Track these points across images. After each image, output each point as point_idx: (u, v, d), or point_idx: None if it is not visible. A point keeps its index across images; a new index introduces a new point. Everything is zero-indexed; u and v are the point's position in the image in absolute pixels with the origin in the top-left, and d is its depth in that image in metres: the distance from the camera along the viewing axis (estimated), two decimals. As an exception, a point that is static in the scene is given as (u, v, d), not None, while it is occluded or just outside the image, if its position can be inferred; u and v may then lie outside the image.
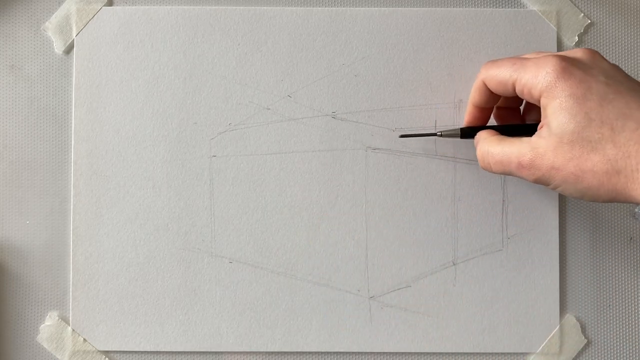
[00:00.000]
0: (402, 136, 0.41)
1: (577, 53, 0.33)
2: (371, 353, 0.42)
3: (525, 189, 0.42)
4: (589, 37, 0.43)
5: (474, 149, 0.42)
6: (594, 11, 0.43)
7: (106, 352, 0.41)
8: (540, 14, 0.42)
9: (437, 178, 0.42)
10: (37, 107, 0.42)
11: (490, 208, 0.42)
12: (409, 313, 0.41)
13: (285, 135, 0.42)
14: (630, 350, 0.42)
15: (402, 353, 0.42)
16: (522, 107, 0.39)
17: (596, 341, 0.42)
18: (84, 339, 0.41)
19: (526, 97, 0.34)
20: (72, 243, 0.42)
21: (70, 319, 0.41)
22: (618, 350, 0.42)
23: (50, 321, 0.42)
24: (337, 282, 0.41)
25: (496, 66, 0.35)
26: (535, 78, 0.32)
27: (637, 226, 0.42)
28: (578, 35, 0.43)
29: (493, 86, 0.35)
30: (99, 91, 0.42)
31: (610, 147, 0.30)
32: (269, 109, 0.42)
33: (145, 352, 0.42)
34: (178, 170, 0.42)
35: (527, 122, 0.38)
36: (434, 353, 0.42)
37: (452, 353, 0.42)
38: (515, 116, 0.39)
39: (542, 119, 0.33)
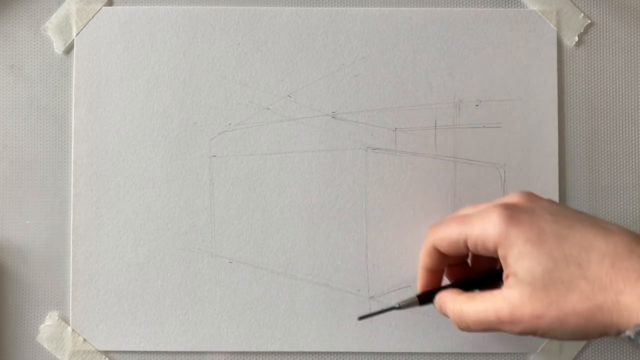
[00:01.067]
0: (360, 318, 0.38)
1: (514, 198, 0.33)
2: (371, 353, 0.42)
3: (525, 189, 0.42)
4: (589, 37, 0.43)
5: (474, 148, 0.42)
6: (594, 11, 0.43)
7: (106, 352, 0.41)
8: (540, 14, 0.42)
9: (437, 178, 0.42)
10: (37, 107, 0.42)
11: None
12: (409, 313, 0.41)
13: (285, 135, 0.42)
14: (630, 350, 0.42)
15: (402, 353, 0.42)
16: (469, 260, 0.38)
17: (596, 341, 0.42)
18: (84, 339, 0.41)
19: (481, 252, 0.33)
20: (72, 243, 0.42)
21: (70, 319, 0.41)
22: (618, 350, 0.42)
23: (50, 321, 0.42)
24: (337, 282, 0.41)
25: (442, 228, 0.34)
26: (485, 231, 0.32)
27: (638, 226, 0.42)
28: (578, 35, 0.43)
29: (444, 248, 0.34)
30: (99, 91, 0.42)
31: (584, 284, 0.29)
32: (269, 109, 0.42)
33: (145, 352, 0.42)
34: (178, 170, 0.42)
35: (476, 273, 0.37)
36: (434, 353, 0.42)
37: (452, 353, 0.42)
38: (465, 270, 0.38)
39: (504, 269, 0.32)
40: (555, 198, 0.42)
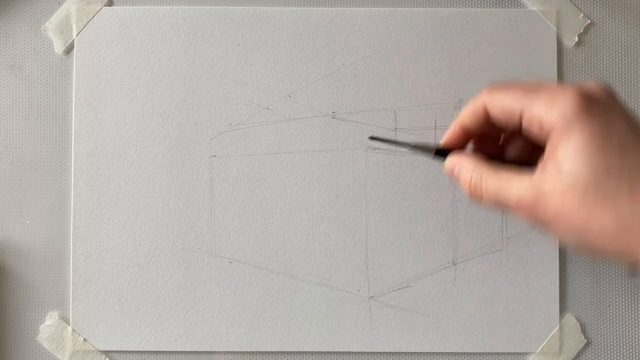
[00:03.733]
0: (371, 138, 0.38)
1: (595, 88, 0.29)
2: (371, 353, 0.42)
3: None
4: (589, 37, 0.43)
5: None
6: (594, 11, 0.43)
7: (106, 352, 0.42)
8: (540, 14, 0.42)
9: (437, 178, 0.42)
10: (37, 107, 0.42)
11: (490, 208, 0.42)
12: (409, 313, 0.41)
13: (285, 135, 0.42)
14: (630, 350, 0.42)
15: (402, 353, 0.42)
16: (502, 138, 0.35)
17: (596, 341, 0.42)
18: (84, 339, 0.41)
19: (533, 131, 0.30)
20: (72, 243, 0.42)
21: (70, 319, 0.41)
22: (618, 350, 0.42)
23: (50, 321, 0.42)
24: (337, 282, 0.41)
25: (504, 92, 0.31)
26: (550, 111, 0.29)
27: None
28: (578, 35, 0.43)
29: (496, 113, 0.31)
30: (99, 91, 0.42)
31: (626, 203, 0.27)
32: (269, 109, 0.42)
33: (145, 352, 0.42)
34: (178, 170, 0.42)
35: (507, 156, 0.34)
36: (434, 353, 0.42)
37: (452, 353, 0.42)
38: (492, 148, 0.35)
39: (548, 154, 0.29)
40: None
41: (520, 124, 0.31)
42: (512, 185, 0.30)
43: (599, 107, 0.28)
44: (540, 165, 0.29)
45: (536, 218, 0.29)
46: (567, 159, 0.28)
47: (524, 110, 0.30)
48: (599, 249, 0.28)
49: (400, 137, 0.42)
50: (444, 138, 0.34)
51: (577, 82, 0.30)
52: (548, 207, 0.28)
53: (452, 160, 0.33)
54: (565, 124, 0.28)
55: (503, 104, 0.31)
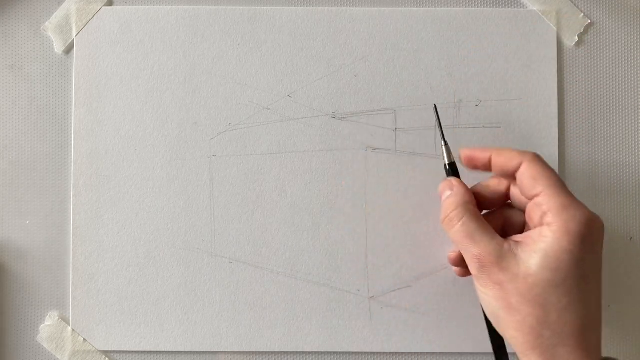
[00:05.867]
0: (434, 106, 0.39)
1: (599, 223, 0.31)
2: (371, 353, 0.42)
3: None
4: (589, 37, 0.43)
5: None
6: (594, 11, 0.43)
7: (106, 352, 0.41)
8: (540, 14, 0.42)
9: (437, 178, 0.42)
10: (37, 107, 0.42)
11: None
12: (409, 313, 0.41)
13: (285, 135, 0.42)
14: (631, 350, 0.42)
15: (402, 353, 0.42)
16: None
17: (596, 341, 0.42)
18: (84, 339, 0.41)
19: (533, 217, 0.32)
20: (72, 243, 0.42)
21: (70, 319, 0.41)
22: (618, 350, 0.42)
23: (50, 321, 0.42)
24: (337, 282, 0.41)
25: (545, 171, 0.33)
26: (559, 219, 0.31)
27: (637, 226, 0.42)
28: (578, 35, 0.43)
29: (523, 181, 0.33)
30: (99, 91, 0.42)
31: (549, 332, 0.30)
32: (269, 109, 0.42)
33: (145, 352, 0.42)
34: (178, 170, 0.42)
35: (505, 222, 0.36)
36: (434, 353, 0.42)
37: (452, 353, 0.42)
38: (500, 217, 0.36)
39: (536, 226, 0.32)
40: (555, 198, 0.42)
41: (534, 196, 0.32)
42: (483, 238, 0.32)
43: (594, 245, 0.31)
44: (520, 236, 0.32)
45: (477, 276, 0.32)
46: (541, 260, 0.30)
47: (545, 202, 0.31)
48: (501, 330, 0.32)
49: (400, 137, 0.42)
50: (470, 153, 0.35)
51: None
52: (497, 275, 0.31)
53: (448, 185, 0.35)
54: (562, 239, 0.30)
55: (533, 183, 0.32)
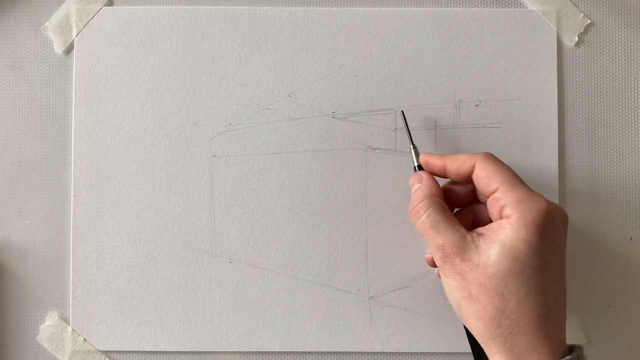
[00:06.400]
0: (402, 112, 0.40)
1: (560, 212, 0.32)
2: (371, 353, 0.42)
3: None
4: (589, 37, 0.43)
5: (474, 148, 0.42)
6: (594, 11, 0.43)
7: (106, 352, 0.41)
8: (540, 14, 0.42)
9: (436, 178, 0.42)
10: (37, 107, 0.42)
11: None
12: (409, 313, 0.41)
13: (285, 135, 0.42)
14: (630, 350, 0.42)
15: (402, 353, 0.42)
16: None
17: (596, 341, 0.42)
18: (84, 339, 0.41)
19: (492, 209, 0.33)
20: (72, 243, 0.42)
21: (70, 319, 0.41)
22: (618, 350, 0.42)
23: (50, 321, 0.42)
24: (337, 282, 0.41)
25: (497, 166, 0.34)
26: (517, 212, 0.31)
27: (637, 226, 0.42)
28: (578, 35, 0.43)
29: (479, 178, 0.34)
30: (99, 91, 0.42)
31: (508, 321, 0.31)
32: (269, 109, 0.42)
33: (145, 352, 0.42)
34: (178, 170, 0.42)
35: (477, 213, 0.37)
36: (434, 353, 0.42)
37: (452, 353, 0.42)
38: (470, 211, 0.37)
39: (496, 220, 0.33)
40: (555, 198, 0.42)
41: (491, 193, 0.33)
42: (448, 229, 0.33)
43: (553, 235, 0.31)
44: (485, 227, 0.33)
45: (441, 264, 0.33)
46: (505, 250, 0.31)
47: (502, 197, 0.32)
48: (463, 319, 0.33)
49: (400, 137, 0.42)
50: (427, 159, 0.37)
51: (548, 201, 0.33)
52: (460, 265, 0.32)
53: (417, 178, 0.37)
54: (519, 231, 0.31)
55: (487, 181, 0.33)
